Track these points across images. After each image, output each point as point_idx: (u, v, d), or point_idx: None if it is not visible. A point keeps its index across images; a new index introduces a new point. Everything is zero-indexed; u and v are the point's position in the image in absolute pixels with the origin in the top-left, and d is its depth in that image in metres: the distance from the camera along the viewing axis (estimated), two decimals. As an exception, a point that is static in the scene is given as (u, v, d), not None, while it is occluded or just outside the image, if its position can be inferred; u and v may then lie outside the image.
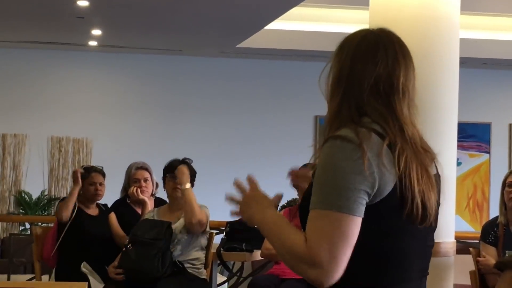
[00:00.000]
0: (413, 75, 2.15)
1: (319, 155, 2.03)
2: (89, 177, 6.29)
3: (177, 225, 5.73)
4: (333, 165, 1.97)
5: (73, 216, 6.16)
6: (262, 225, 2.10)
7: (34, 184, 10.72)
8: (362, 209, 1.97)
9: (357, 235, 1.97)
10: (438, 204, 2.17)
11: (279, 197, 2.21)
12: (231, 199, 2.23)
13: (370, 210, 1.99)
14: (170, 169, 5.83)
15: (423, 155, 2.09)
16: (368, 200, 1.99)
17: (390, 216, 2.02)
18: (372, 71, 2.08)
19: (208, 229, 5.91)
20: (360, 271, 2.03)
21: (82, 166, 7.02)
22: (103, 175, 6.37)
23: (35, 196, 10.69)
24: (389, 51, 2.11)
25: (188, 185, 5.70)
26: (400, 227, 2.05)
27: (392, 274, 2.06)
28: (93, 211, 6.33)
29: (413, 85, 2.15)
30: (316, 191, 1.99)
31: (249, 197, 2.17)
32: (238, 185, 2.22)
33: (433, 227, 2.15)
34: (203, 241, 5.84)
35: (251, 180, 2.21)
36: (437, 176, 2.19)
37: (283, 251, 2.02)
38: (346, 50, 2.12)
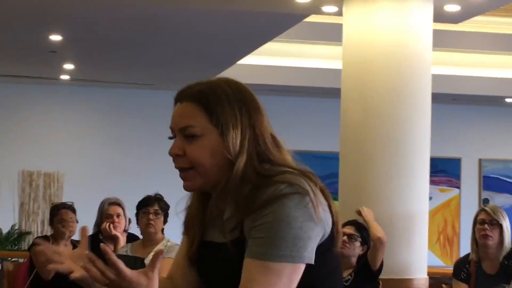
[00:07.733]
0: None
1: (262, 212, 1.95)
2: (58, 214, 6.13)
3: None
4: (286, 215, 1.92)
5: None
6: None
7: (4, 219, 10.61)
8: (313, 255, 1.95)
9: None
10: None
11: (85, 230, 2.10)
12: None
13: (317, 252, 1.98)
14: (143, 205, 5.78)
15: None
16: (317, 245, 1.97)
17: (330, 252, 2.01)
18: (266, 122, 2.10)
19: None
20: None
21: (52, 203, 6.92)
22: (73, 211, 6.21)
23: (5, 230, 10.58)
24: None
25: None
26: (335, 259, 2.06)
27: None
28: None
29: None
30: (264, 242, 1.92)
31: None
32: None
33: None
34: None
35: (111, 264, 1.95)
36: None
37: None
38: (233, 103, 2.08)
